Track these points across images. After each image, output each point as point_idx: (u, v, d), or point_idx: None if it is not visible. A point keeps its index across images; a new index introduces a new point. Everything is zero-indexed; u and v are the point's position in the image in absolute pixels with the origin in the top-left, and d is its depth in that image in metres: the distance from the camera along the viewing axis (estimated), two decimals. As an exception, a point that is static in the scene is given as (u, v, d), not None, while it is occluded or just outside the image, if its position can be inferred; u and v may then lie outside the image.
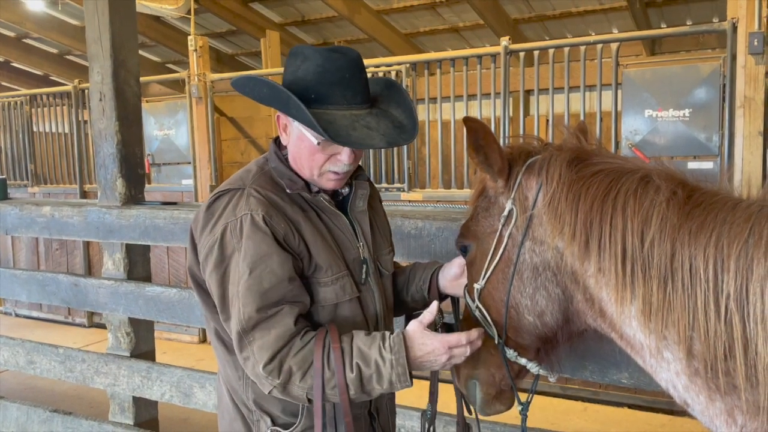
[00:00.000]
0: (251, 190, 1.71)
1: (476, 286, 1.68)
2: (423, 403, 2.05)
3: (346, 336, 1.65)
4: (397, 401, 2.13)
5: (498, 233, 1.60)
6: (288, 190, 1.75)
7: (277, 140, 1.87)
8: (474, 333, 1.62)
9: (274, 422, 1.79)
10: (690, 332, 1.29)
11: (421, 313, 1.68)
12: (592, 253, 1.42)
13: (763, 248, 1.22)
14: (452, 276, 1.94)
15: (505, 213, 1.58)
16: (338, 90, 1.67)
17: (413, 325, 1.66)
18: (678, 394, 1.37)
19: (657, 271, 1.32)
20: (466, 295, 1.78)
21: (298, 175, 1.78)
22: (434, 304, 1.69)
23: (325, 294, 1.73)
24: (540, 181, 1.53)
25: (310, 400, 1.64)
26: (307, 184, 1.79)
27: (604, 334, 1.53)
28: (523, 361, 1.65)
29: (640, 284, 1.35)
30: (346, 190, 1.88)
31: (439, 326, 1.77)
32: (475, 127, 1.57)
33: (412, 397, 2.47)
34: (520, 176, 1.57)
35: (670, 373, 1.36)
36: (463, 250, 1.79)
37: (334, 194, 1.87)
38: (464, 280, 1.87)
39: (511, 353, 1.63)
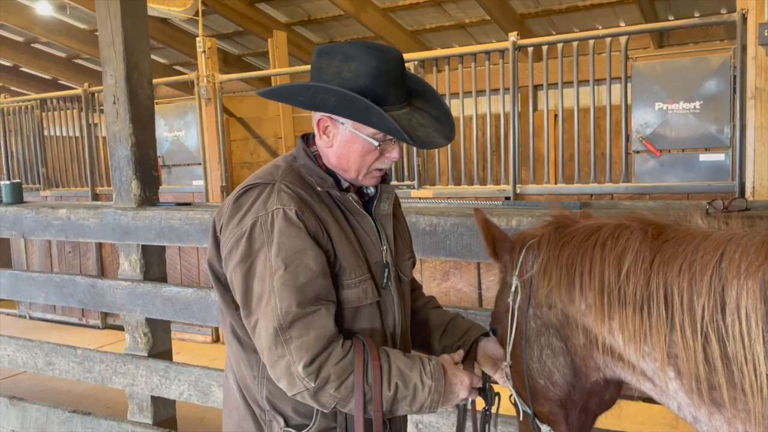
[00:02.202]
0: (282, 186, 1.67)
1: (504, 365, 1.75)
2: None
3: (383, 353, 1.65)
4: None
5: (510, 310, 1.70)
6: (318, 188, 1.71)
7: (304, 137, 1.82)
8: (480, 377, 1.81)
9: (287, 423, 1.75)
10: (675, 353, 1.35)
11: None
12: (576, 291, 1.51)
13: (735, 270, 1.27)
14: (490, 353, 1.86)
15: (513, 289, 1.68)
16: (392, 90, 1.65)
17: (445, 357, 1.76)
18: (688, 411, 1.41)
19: (633, 299, 1.41)
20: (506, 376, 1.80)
21: (328, 173, 1.75)
22: (460, 352, 1.83)
23: (347, 296, 1.70)
24: (535, 253, 1.65)
25: (334, 409, 1.64)
26: (337, 182, 1.75)
27: (619, 377, 1.55)
28: None
29: (617, 311, 1.44)
30: (371, 191, 1.84)
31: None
32: (481, 220, 1.76)
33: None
34: (522, 255, 1.69)
35: (675, 390, 1.41)
36: (494, 333, 1.86)
37: (360, 194, 1.82)
38: (502, 363, 1.84)
39: (545, 428, 1.67)
